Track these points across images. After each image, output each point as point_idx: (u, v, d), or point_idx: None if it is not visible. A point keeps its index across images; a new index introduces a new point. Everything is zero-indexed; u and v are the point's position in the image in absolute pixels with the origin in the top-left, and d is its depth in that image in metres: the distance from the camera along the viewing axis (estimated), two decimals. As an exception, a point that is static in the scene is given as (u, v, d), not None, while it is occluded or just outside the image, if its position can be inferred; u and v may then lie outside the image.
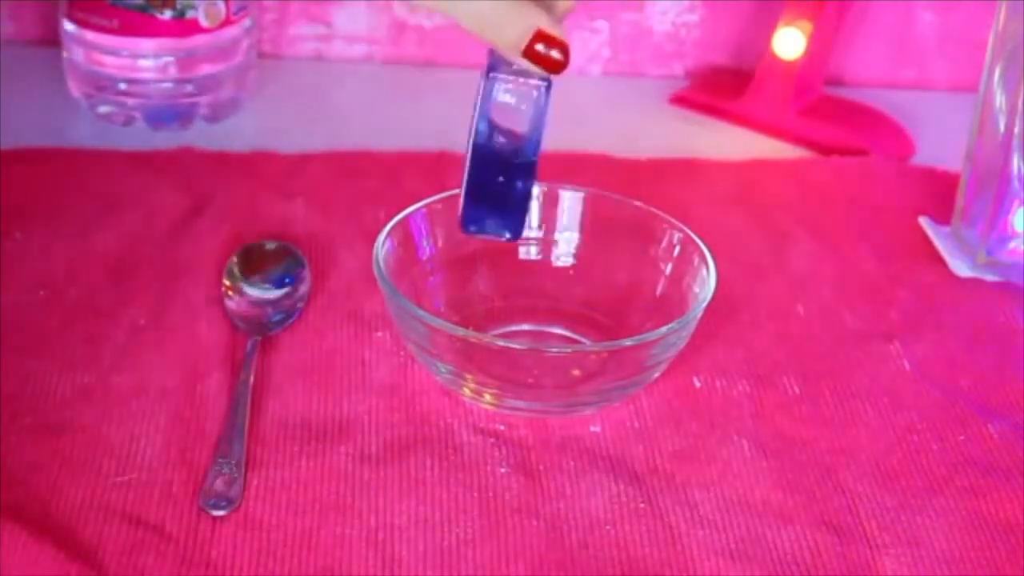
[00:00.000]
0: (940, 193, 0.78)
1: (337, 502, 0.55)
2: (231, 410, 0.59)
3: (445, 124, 0.85)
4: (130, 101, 0.81)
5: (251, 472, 0.56)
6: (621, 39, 0.93)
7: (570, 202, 0.68)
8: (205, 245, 0.70)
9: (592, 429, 0.60)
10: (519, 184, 0.58)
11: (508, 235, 0.59)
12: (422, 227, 0.65)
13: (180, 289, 0.67)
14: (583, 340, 0.65)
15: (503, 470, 0.58)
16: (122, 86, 0.81)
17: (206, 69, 0.81)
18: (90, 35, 0.80)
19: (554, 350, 0.63)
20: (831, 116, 0.87)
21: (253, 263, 0.67)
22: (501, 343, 0.60)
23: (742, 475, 0.58)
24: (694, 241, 0.64)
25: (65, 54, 0.82)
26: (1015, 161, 0.70)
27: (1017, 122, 0.69)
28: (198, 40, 0.80)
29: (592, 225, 0.68)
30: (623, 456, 0.59)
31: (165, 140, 0.80)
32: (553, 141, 0.82)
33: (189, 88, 0.81)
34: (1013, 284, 0.72)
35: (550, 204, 0.68)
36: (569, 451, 0.59)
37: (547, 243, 0.68)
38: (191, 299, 0.66)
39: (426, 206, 0.65)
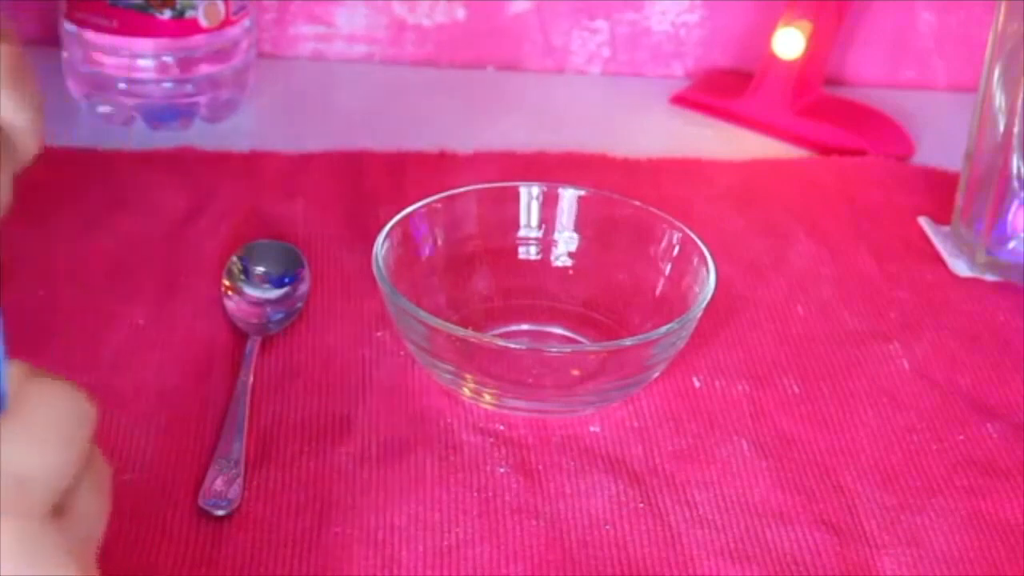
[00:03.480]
0: (940, 193, 0.78)
1: (337, 502, 0.55)
2: (231, 410, 0.59)
3: (445, 124, 0.86)
4: (130, 101, 0.81)
5: (251, 472, 0.56)
6: (621, 39, 0.93)
7: (570, 202, 0.68)
8: (205, 245, 0.70)
9: (592, 429, 0.60)
10: None
11: None
12: (422, 227, 0.65)
13: (180, 289, 0.67)
14: (583, 340, 0.65)
15: (503, 470, 0.58)
16: (122, 86, 0.81)
17: (206, 69, 0.81)
18: (90, 35, 0.80)
19: (554, 350, 0.63)
20: (831, 116, 0.87)
21: (253, 263, 0.67)
22: (501, 343, 0.60)
23: (742, 475, 0.58)
24: (694, 241, 0.64)
25: (65, 54, 0.82)
26: (1015, 161, 0.70)
27: (1017, 122, 0.69)
28: (198, 40, 0.80)
29: (592, 225, 0.68)
30: (623, 456, 0.59)
31: (165, 140, 0.80)
32: (553, 141, 0.83)
33: (189, 88, 0.81)
34: (1013, 284, 0.72)
35: (550, 204, 0.68)
36: (569, 451, 0.59)
37: (547, 243, 0.68)
38: (191, 299, 0.66)
39: (426, 206, 0.65)
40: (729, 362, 0.65)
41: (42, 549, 0.33)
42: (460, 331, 0.59)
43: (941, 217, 0.77)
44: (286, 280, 0.67)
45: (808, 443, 0.61)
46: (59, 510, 0.34)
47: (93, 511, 0.36)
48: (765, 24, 0.89)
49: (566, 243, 0.68)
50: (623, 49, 0.94)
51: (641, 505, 0.56)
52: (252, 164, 0.78)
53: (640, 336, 0.59)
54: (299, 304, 0.66)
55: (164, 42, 0.79)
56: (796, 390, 0.64)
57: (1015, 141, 0.70)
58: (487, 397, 0.60)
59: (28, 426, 0.34)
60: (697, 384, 0.63)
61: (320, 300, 0.67)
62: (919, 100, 0.93)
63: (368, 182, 0.77)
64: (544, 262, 0.68)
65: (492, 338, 0.61)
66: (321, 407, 0.60)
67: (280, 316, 0.65)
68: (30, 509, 0.33)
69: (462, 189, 0.67)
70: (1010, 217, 0.72)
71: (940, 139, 0.86)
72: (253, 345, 0.63)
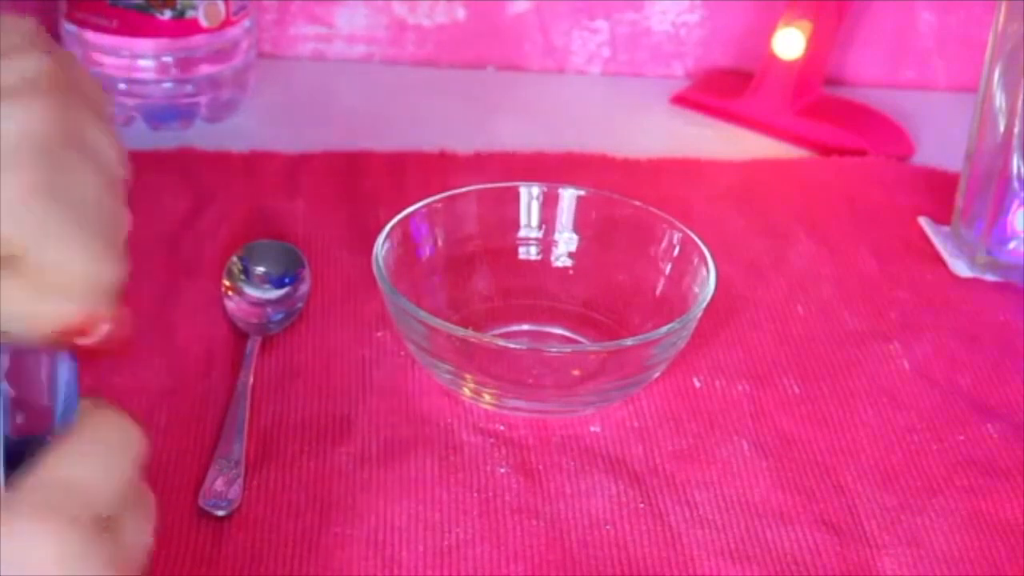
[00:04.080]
0: (940, 193, 0.78)
1: (337, 502, 0.55)
2: (231, 410, 0.59)
3: (445, 124, 0.86)
4: (130, 101, 0.81)
5: (251, 472, 0.56)
6: (621, 39, 0.93)
7: (570, 202, 0.68)
8: (205, 245, 0.70)
9: (592, 429, 0.60)
10: None
11: None
12: (422, 227, 0.65)
13: (180, 289, 0.67)
14: (583, 340, 0.65)
15: (503, 470, 0.58)
16: (122, 86, 0.81)
17: (206, 69, 0.81)
18: (90, 35, 0.80)
19: (554, 350, 0.63)
20: (831, 116, 0.87)
21: (253, 263, 0.67)
22: (501, 343, 0.60)
23: (742, 475, 0.58)
24: (694, 241, 0.64)
25: (65, 54, 0.82)
26: (1015, 161, 0.70)
27: (1017, 122, 0.69)
28: (198, 40, 0.80)
29: (592, 225, 0.68)
30: (623, 456, 0.59)
31: (165, 140, 0.80)
32: (553, 141, 0.83)
33: (189, 88, 0.81)
34: (1013, 284, 0.72)
35: (550, 204, 0.68)
36: (569, 451, 0.59)
37: (547, 243, 0.68)
38: (191, 299, 0.66)
39: (426, 206, 0.65)
40: (729, 362, 0.65)
41: (86, 557, 0.34)
42: (460, 331, 0.59)
43: (941, 217, 0.77)
44: (286, 280, 0.67)
45: (808, 443, 0.61)
46: (106, 527, 0.35)
47: (138, 540, 0.37)
48: (765, 24, 0.89)
49: (566, 243, 0.68)
50: (623, 49, 0.94)
51: (641, 505, 0.56)
52: (252, 164, 0.78)
53: (640, 336, 0.59)
54: (299, 304, 0.66)
55: (164, 42, 0.79)
56: (796, 390, 0.64)
57: (1015, 141, 0.70)
58: (487, 397, 0.60)
59: (81, 444, 0.36)
60: (697, 384, 0.63)
61: (320, 300, 0.67)
62: (919, 100, 0.93)
63: (368, 182, 0.77)
64: (544, 262, 0.68)
65: (492, 338, 0.61)
66: (321, 407, 0.60)
67: (280, 316, 0.65)
68: (77, 516, 0.34)
69: (462, 189, 0.67)
70: (1010, 217, 0.72)
71: (940, 139, 0.86)
72: (253, 345, 0.63)
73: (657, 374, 0.61)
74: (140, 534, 0.37)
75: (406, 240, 0.64)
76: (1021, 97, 0.69)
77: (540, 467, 0.58)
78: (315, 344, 0.64)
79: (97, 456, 0.36)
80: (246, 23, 0.83)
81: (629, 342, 0.59)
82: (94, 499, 0.35)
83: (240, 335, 0.64)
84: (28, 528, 0.33)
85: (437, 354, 0.59)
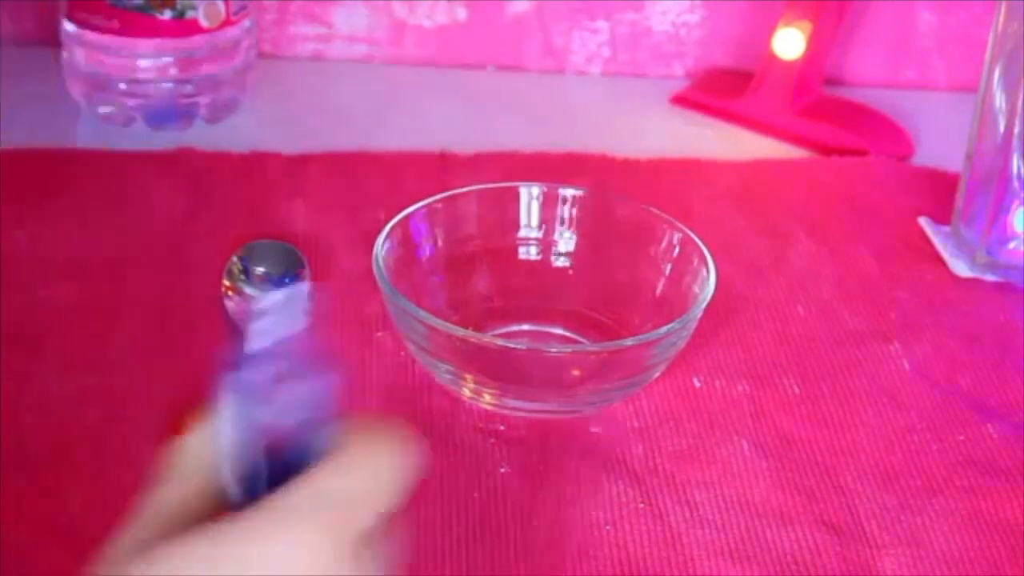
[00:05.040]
0: (940, 193, 0.78)
1: (337, 502, 0.55)
2: (231, 410, 0.59)
3: (445, 124, 0.86)
4: (130, 101, 0.81)
5: (251, 472, 0.56)
6: (621, 39, 0.93)
7: (570, 202, 0.68)
8: (205, 245, 0.70)
9: (592, 429, 0.60)
10: None
11: None
12: (422, 227, 0.65)
13: (180, 289, 0.67)
14: (583, 340, 0.65)
15: (503, 470, 0.58)
16: (122, 86, 0.81)
17: (206, 69, 0.81)
18: (90, 35, 0.80)
19: (554, 350, 0.63)
20: (831, 116, 0.87)
21: (253, 263, 0.67)
22: (501, 343, 0.60)
23: (742, 475, 0.58)
24: (694, 241, 0.64)
25: (65, 54, 0.82)
26: (1015, 161, 0.70)
27: (1017, 122, 0.69)
28: (198, 40, 0.80)
29: (592, 225, 0.68)
30: (623, 456, 0.59)
31: (165, 140, 0.80)
32: (553, 141, 0.83)
33: (189, 88, 0.81)
34: (1013, 284, 0.72)
35: (550, 204, 0.68)
36: (569, 451, 0.59)
37: (547, 243, 0.68)
38: (191, 299, 0.66)
39: (426, 206, 0.65)
40: (729, 362, 0.65)
41: (359, 564, 0.35)
42: (460, 331, 0.59)
43: (941, 217, 0.77)
44: (286, 280, 0.67)
45: (808, 443, 0.61)
46: (362, 547, 0.35)
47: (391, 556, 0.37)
48: (765, 24, 0.89)
49: (566, 243, 0.68)
50: (623, 49, 0.94)
51: (641, 505, 0.56)
52: (252, 164, 0.78)
53: (640, 336, 0.59)
54: (299, 304, 0.66)
55: (165, 42, 0.79)
56: (796, 390, 0.64)
57: (1015, 142, 0.70)
58: (487, 397, 0.60)
59: (353, 459, 0.36)
60: (697, 384, 0.63)
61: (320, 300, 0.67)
62: (919, 100, 0.93)
63: (368, 182, 0.77)
64: (544, 262, 0.68)
65: (492, 338, 0.61)
66: (321, 407, 0.60)
67: (280, 316, 0.65)
68: (337, 530, 0.35)
69: (462, 189, 0.67)
70: (1010, 217, 0.72)
71: (940, 139, 0.86)
72: (253, 345, 0.63)
73: (657, 374, 0.61)
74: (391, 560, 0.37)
75: (406, 240, 0.64)
76: (1021, 97, 0.69)
77: (540, 467, 0.58)
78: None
79: (368, 473, 0.36)
80: (246, 23, 0.83)
81: (629, 342, 0.59)
82: (356, 516, 0.35)
83: (240, 335, 0.64)
84: (287, 537, 0.34)
85: (437, 354, 0.59)
